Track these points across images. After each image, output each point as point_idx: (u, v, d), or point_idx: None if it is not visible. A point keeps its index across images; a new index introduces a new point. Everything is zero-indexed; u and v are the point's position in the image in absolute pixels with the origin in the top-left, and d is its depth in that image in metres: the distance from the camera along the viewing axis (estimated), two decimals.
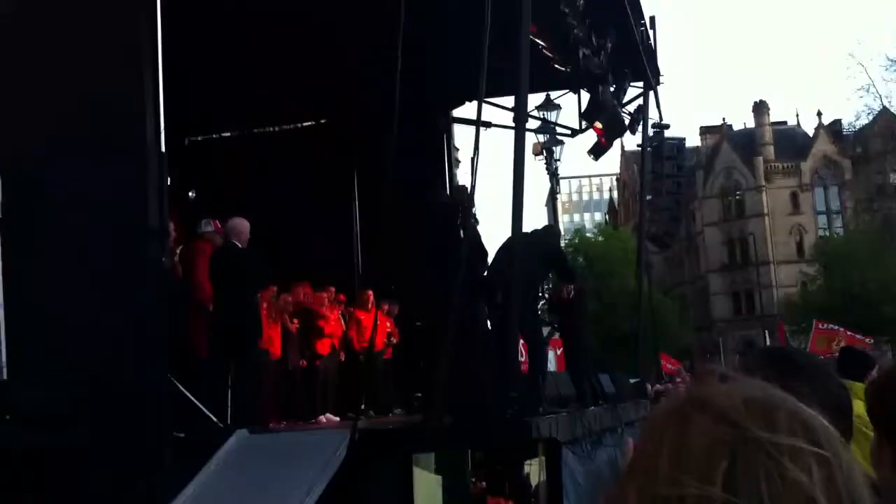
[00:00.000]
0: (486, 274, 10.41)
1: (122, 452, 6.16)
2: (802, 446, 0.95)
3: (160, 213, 8.32)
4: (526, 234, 10.71)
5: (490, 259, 10.42)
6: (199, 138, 16.50)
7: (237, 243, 9.32)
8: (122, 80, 8.19)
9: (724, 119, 76.37)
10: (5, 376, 6.75)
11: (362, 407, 10.06)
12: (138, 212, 8.06)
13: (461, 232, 10.32)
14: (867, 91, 50.71)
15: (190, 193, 14.32)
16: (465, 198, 10.21)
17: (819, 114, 73.82)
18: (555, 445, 1.66)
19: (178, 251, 10.15)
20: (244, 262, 9.08)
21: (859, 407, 1.92)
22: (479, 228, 10.47)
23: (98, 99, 8.03)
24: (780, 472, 0.93)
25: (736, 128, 75.54)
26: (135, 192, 8.13)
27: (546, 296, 16.76)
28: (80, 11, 8.06)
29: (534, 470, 1.72)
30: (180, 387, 6.46)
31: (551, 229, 13.41)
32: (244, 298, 9.03)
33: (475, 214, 10.82)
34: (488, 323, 10.18)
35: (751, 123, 73.77)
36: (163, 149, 8.32)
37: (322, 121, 16.92)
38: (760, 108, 72.32)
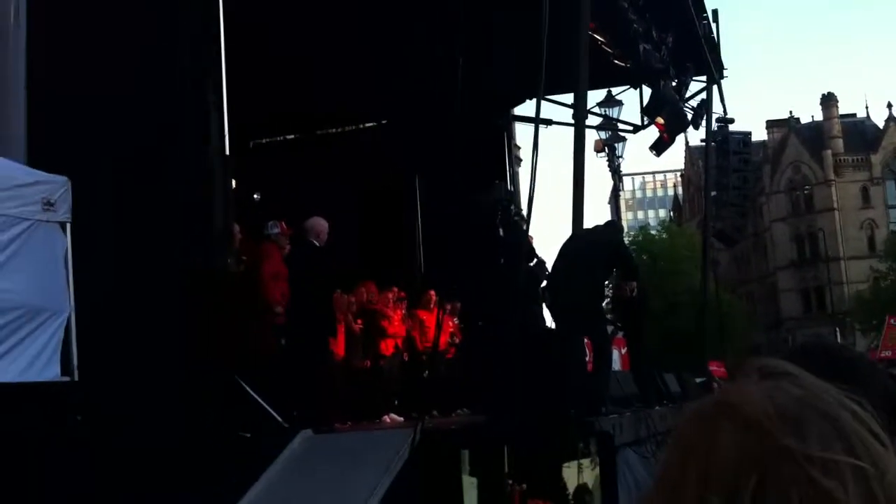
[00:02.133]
0: (550, 272, 10.37)
1: (189, 453, 6.25)
2: (837, 458, 0.88)
3: (225, 215, 8.44)
4: (587, 230, 10.65)
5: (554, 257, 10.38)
6: (264, 140, 16.70)
7: (315, 242, 9.42)
8: (186, 82, 8.31)
9: (790, 112, 75.10)
10: (77, 377, 6.90)
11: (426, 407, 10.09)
12: (204, 214, 8.18)
13: (501, 230, 10.27)
14: None
15: (255, 196, 14.48)
16: (504, 196, 10.14)
17: (889, 105, 72.04)
18: (608, 441, 1.64)
19: (243, 253, 10.25)
20: (323, 261, 9.21)
21: None
22: (528, 226, 10.39)
23: (163, 102, 8.16)
24: (813, 487, 0.86)
25: (803, 121, 74.18)
26: (200, 194, 8.25)
27: (609, 294, 16.63)
28: (145, 12, 8.19)
29: (571, 472, 1.71)
30: (246, 387, 6.54)
31: (613, 225, 13.10)
32: (321, 296, 9.14)
33: (520, 212, 10.76)
34: (548, 322, 10.15)
35: (819, 116, 72.40)
36: (227, 151, 8.43)
37: (383, 122, 17.02)
38: (828, 101, 70.93)
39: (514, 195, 10.59)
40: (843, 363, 1.74)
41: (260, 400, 6.50)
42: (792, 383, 0.97)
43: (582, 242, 9.80)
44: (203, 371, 6.93)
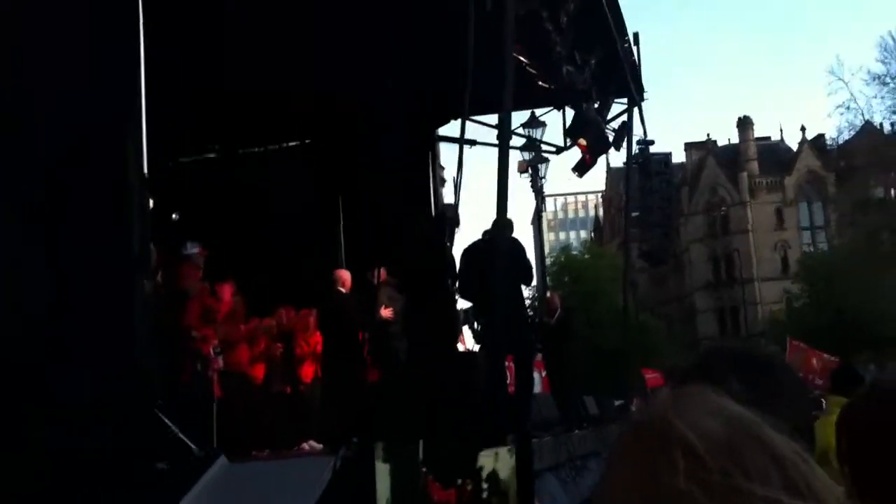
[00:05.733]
0: (457, 287, 10.32)
1: (102, 482, 6.02)
2: (779, 498, 0.86)
3: (142, 236, 8.20)
4: (484, 240, 10.54)
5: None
6: (184, 160, 16.37)
7: (342, 290, 10.23)
8: (102, 100, 8.06)
9: (708, 135, 76.72)
10: None
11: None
12: (120, 236, 7.93)
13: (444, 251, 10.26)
14: (847, 108, 50.69)
15: (173, 216, 14.19)
16: (454, 217, 10.18)
17: (803, 129, 74.11)
18: (525, 438, 1.55)
19: (159, 275, 10.01)
20: (354, 308, 10.06)
21: None
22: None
23: (77, 119, 7.90)
24: None
25: (720, 143, 75.86)
26: (116, 215, 8.00)
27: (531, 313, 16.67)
28: (60, 25, 7.93)
29: (487, 460, 1.61)
30: (163, 417, 6.32)
31: (504, 223, 10.23)
32: (352, 338, 9.96)
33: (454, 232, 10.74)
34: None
35: (735, 139, 74.12)
36: (145, 171, 8.19)
37: (307, 141, 16.84)
38: (745, 124, 72.72)
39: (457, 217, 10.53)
40: (774, 378, 1.67)
41: (174, 428, 6.29)
42: (719, 405, 0.96)
43: (502, 258, 9.72)
44: (121, 399, 6.69)
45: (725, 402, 0.97)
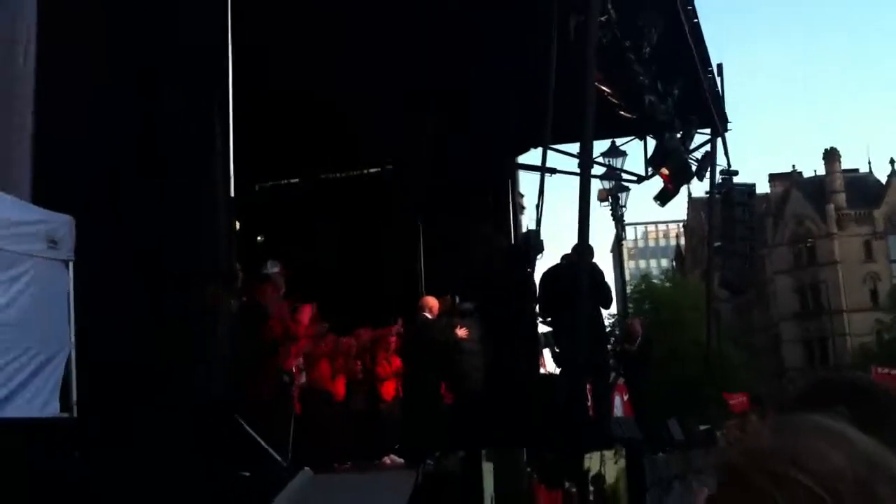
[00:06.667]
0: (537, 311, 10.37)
1: (188, 491, 6.22)
2: None
3: (228, 256, 8.47)
4: (564, 264, 10.56)
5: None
6: (269, 184, 16.78)
7: (428, 315, 10.40)
8: (193, 124, 8.37)
9: (793, 166, 75.35)
10: (76, 414, 6.88)
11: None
12: (208, 256, 8.21)
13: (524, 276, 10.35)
14: None
15: (258, 238, 14.54)
16: (536, 242, 10.23)
17: (892, 161, 72.27)
18: (636, 445, 1.61)
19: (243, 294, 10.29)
20: (438, 332, 10.18)
21: None
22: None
23: (169, 142, 8.21)
24: None
25: (806, 174, 74.46)
26: (204, 236, 8.29)
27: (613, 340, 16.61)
28: (152, 50, 8.26)
29: (592, 463, 1.67)
30: (245, 426, 6.52)
31: (586, 248, 10.53)
32: (435, 365, 10.06)
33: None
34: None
35: (821, 170, 72.68)
36: (231, 193, 8.48)
37: (388, 167, 17.10)
38: (831, 155, 71.22)
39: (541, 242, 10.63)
40: (885, 410, 1.59)
41: (258, 439, 6.48)
42: (847, 440, 0.90)
43: (566, 280, 9.77)
44: (206, 410, 6.91)
45: (849, 430, 0.91)
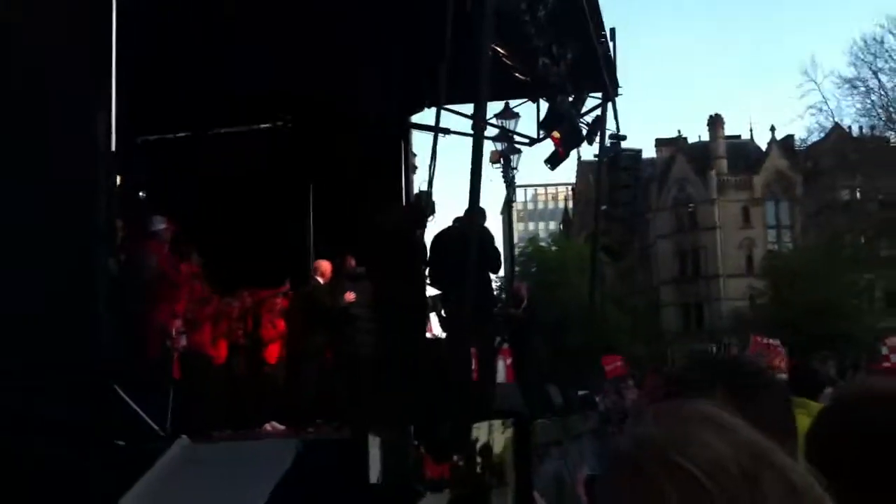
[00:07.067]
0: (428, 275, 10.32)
1: (61, 460, 5.99)
2: None
3: (108, 213, 8.13)
4: (455, 226, 10.55)
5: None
6: (152, 138, 16.23)
7: (320, 280, 10.67)
8: (71, 75, 7.97)
9: (679, 131, 77.00)
10: None
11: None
12: (86, 212, 7.86)
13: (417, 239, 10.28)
14: (819, 110, 51.11)
15: (140, 193, 14.07)
16: (427, 203, 10.16)
17: (772, 129, 74.54)
18: (522, 420, 1.56)
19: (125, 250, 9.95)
20: (326, 296, 10.27)
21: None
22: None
23: (45, 94, 7.81)
24: None
25: (691, 140, 76.24)
26: (82, 191, 7.93)
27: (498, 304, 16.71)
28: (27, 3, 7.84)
29: (481, 435, 1.61)
30: (122, 393, 6.29)
31: (479, 212, 10.25)
32: (322, 329, 10.13)
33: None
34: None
35: (705, 136, 74.50)
36: (112, 147, 8.12)
37: (279, 123, 16.75)
38: (715, 122, 73.06)
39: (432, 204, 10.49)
40: (761, 390, 1.72)
41: (135, 406, 6.26)
42: (726, 425, 0.92)
43: (456, 243, 9.73)
44: (82, 374, 6.65)
45: (734, 420, 0.93)
